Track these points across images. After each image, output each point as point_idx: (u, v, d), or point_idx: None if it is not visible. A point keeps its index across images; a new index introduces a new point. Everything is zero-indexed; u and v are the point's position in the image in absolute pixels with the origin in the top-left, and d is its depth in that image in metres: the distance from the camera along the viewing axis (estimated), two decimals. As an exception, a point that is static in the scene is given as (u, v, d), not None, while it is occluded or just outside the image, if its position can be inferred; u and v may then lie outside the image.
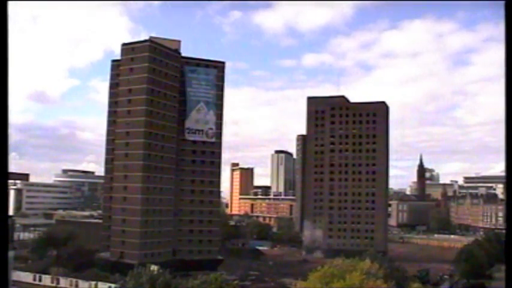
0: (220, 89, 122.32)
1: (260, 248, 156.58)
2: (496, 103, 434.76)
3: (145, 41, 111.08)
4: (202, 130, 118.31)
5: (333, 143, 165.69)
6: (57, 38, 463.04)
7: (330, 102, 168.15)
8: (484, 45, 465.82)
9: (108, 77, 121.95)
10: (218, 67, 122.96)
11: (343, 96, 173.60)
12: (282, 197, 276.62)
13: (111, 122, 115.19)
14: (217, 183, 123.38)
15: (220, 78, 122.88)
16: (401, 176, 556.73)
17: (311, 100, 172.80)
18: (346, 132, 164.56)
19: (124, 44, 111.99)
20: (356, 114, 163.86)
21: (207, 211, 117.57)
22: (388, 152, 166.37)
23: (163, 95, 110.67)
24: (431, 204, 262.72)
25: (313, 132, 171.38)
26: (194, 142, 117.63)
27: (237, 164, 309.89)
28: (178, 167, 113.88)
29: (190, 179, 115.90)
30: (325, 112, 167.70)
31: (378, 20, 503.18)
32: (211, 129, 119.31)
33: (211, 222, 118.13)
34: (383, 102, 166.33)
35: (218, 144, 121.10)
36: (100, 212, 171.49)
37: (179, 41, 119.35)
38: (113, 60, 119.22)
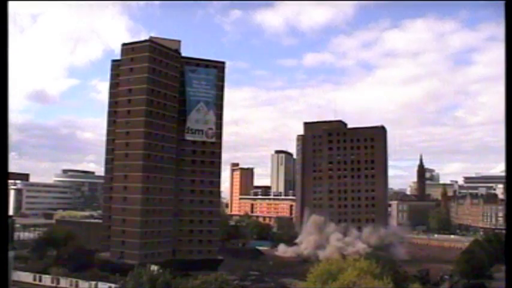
0: (220, 89, 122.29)
1: (260, 248, 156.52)
2: (497, 103, 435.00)
3: (145, 41, 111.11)
4: (202, 130, 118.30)
5: (331, 169, 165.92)
6: (57, 37, 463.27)
7: (327, 127, 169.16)
8: (485, 44, 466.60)
9: (108, 76, 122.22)
10: (218, 67, 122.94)
11: (340, 121, 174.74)
12: (282, 197, 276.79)
13: (111, 122, 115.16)
14: (217, 183, 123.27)
15: (221, 78, 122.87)
16: (401, 176, 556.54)
17: (308, 125, 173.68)
18: (344, 158, 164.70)
19: (124, 44, 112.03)
20: (354, 139, 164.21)
21: (207, 211, 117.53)
22: (386, 176, 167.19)
23: (163, 95, 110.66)
24: (431, 204, 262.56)
25: (311, 157, 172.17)
26: (194, 142, 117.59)
27: (237, 164, 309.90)
28: (178, 167, 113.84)
29: (190, 179, 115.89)
30: (322, 137, 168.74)
31: (379, 19, 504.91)
32: (211, 129, 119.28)
33: (211, 222, 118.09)
34: (380, 127, 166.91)
35: (218, 144, 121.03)
36: (100, 212, 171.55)
37: (179, 41, 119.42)
38: (113, 60, 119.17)
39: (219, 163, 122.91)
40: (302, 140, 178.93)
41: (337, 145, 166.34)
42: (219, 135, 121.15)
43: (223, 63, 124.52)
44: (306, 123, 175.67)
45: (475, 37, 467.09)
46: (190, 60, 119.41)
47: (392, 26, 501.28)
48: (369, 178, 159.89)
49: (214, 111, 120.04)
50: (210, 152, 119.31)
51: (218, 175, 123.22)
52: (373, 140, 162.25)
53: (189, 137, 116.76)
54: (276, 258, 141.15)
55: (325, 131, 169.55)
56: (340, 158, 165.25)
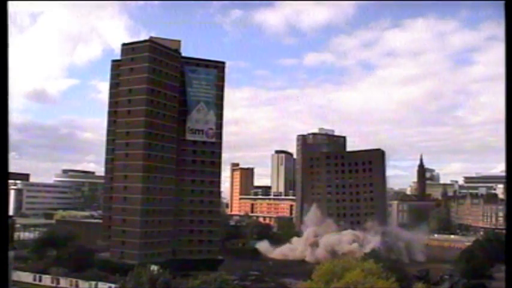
0: (220, 89, 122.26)
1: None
2: (498, 103, 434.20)
3: (145, 41, 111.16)
4: (202, 130, 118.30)
5: (329, 193, 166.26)
6: (57, 37, 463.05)
7: (325, 150, 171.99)
8: (486, 44, 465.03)
9: (108, 76, 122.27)
10: (218, 67, 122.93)
11: (338, 143, 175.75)
12: (282, 197, 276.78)
13: (111, 122, 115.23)
14: (217, 183, 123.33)
15: (221, 78, 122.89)
16: (401, 176, 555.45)
17: (305, 148, 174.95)
18: (343, 182, 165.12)
19: (124, 44, 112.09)
20: (351, 163, 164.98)
21: (207, 211, 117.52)
22: (385, 199, 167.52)
23: (163, 95, 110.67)
24: (431, 204, 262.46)
25: (309, 180, 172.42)
26: (194, 142, 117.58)
27: (237, 164, 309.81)
28: (179, 167, 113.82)
29: (190, 179, 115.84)
30: (320, 160, 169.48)
31: (380, 18, 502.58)
32: (211, 129, 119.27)
33: (211, 222, 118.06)
34: (378, 150, 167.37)
35: (218, 144, 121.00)
36: (100, 212, 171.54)
37: (179, 41, 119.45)
38: (113, 60, 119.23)
39: (219, 163, 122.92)
40: (301, 163, 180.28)
41: (335, 168, 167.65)
42: (219, 135, 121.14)
43: (223, 63, 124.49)
44: (304, 145, 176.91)
45: (476, 37, 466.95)
46: (190, 60, 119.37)
47: (392, 25, 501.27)
48: (368, 201, 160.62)
49: (214, 111, 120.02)
50: (210, 152, 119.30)
51: (218, 175, 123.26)
52: (371, 163, 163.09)
53: (189, 137, 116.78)
54: (276, 258, 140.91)
55: (323, 154, 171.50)
56: (338, 182, 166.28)
